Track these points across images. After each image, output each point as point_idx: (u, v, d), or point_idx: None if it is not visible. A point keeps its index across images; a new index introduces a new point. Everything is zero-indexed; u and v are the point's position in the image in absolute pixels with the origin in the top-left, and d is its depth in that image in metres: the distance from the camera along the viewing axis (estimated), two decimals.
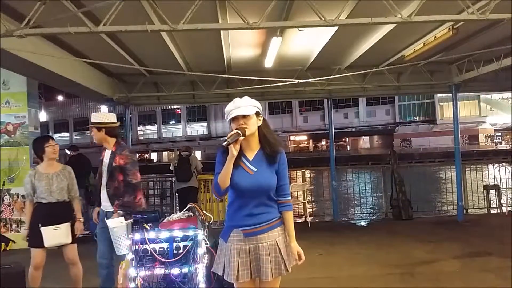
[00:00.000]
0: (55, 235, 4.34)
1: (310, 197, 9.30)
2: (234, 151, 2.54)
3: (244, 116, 2.60)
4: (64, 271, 4.81)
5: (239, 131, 2.55)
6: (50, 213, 4.36)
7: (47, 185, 4.40)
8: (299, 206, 10.13)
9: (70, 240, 4.43)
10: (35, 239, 4.36)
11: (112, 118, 4.31)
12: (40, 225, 4.30)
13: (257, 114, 2.68)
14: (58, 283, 5.12)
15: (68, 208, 4.51)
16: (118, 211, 4.04)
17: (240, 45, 7.17)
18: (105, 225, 4.14)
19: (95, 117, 4.26)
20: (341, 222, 9.60)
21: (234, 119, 2.61)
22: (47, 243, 4.33)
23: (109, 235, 4.15)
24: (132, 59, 7.40)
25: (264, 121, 2.73)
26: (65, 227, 4.38)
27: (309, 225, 8.91)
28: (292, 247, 2.70)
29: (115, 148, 4.23)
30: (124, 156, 4.17)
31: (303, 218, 9.68)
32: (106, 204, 4.25)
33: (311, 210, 9.63)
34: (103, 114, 4.32)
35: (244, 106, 2.62)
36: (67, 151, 9.50)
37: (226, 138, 2.55)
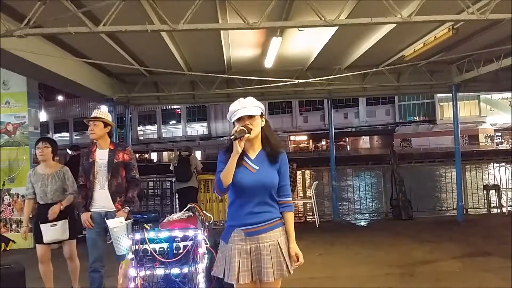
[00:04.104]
0: (53, 231, 4.54)
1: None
2: (239, 147, 2.53)
3: (249, 117, 2.60)
4: (61, 270, 4.85)
5: (245, 129, 2.55)
6: (47, 212, 4.51)
7: (43, 186, 4.58)
8: (298, 205, 10.13)
9: (67, 237, 4.62)
10: (37, 236, 4.63)
11: (111, 118, 4.48)
12: (39, 223, 4.54)
13: (261, 115, 2.68)
14: (56, 282, 5.11)
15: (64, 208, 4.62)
16: (124, 208, 4.10)
17: (240, 45, 7.17)
18: (102, 227, 4.17)
19: (102, 113, 4.31)
20: (341, 222, 9.59)
21: (239, 119, 2.60)
22: (46, 239, 4.55)
23: (106, 238, 4.24)
24: (132, 59, 7.40)
25: (266, 122, 2.73)
26: (61, 224, 4.56)
27: (317, 226, 8.74)
28: (291, 248, 2.66)
29: (113, 146, 4.30)
30: (128, 152, 4.33)
31: (304, 218, 9.67)
32: (105, 204, 4.17)
33: (311, 210, 9.60)
34: (107, 113, 4.39)
35: (250, 106, 2.61)
36: (68, 150, 9.49)
37: (233, 132, 2.54)
